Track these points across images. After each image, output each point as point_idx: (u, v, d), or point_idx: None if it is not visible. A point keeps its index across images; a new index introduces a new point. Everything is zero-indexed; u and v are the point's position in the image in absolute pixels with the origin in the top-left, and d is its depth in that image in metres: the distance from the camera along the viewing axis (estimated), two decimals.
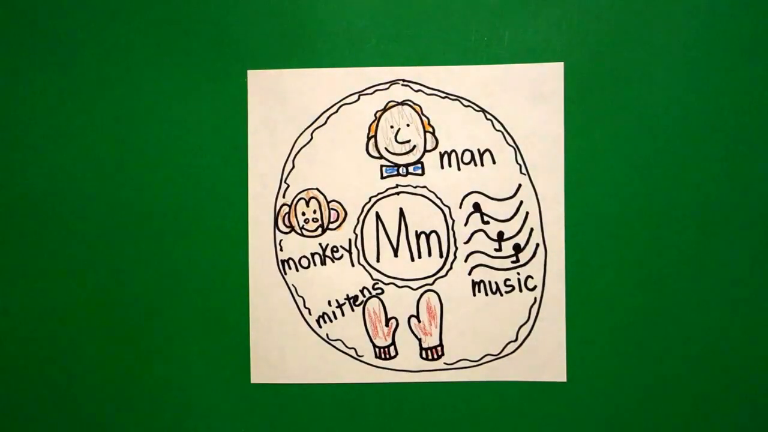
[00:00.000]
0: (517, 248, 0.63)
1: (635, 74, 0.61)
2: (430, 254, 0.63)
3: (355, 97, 0.62)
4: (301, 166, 0.63)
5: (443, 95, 0.62)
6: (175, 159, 0.63)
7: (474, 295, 0.63)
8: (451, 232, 0.63)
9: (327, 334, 0.64)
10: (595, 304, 0.62)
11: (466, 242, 0.63)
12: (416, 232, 0.63)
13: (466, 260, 0.63)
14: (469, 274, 0.63)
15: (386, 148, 0.63)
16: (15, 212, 0.63)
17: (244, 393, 0.64)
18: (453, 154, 0.62)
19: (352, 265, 0.63)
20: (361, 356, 0.64)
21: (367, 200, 0.63)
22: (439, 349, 0.63)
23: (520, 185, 0.62)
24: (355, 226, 0.63)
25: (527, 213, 0.62)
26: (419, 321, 0.63)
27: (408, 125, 0.63)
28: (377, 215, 0.63)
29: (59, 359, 0.64)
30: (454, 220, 0.63)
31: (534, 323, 0.63)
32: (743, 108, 0.61)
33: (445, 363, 0.63)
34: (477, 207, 0.63)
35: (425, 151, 0.63)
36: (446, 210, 0.63)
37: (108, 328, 0.64)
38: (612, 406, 0.63)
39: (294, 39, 0.62)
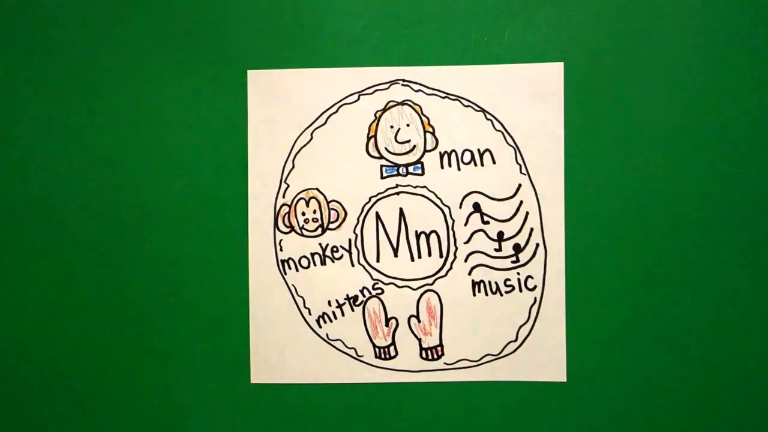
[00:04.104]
0: (517, 248, 0.63)
1: (635, 74, 0.61)
2: (430, 254, 0.63)
3: (355, 97, 0.62)
4: (301, 166, 0.63)
5: (443, 95, 0.62)
6: (175, 159, 0.63)
7: (474, 295, 0.63)
8: (451, 232, 0.63)
9: (327, 334, 0.64)
10: (595, 304, 0.62)
11: (466, 242, 0.63)
12: (416, 232, 0.63)
13: (466, 260, 0.63)
14: (469, 274, 0.63)
15: (386, 148, 0.63)
16: (14, 212, 0.63)
17: (244, 393, 0.64)
18: (453, 154, 0.62)
19: (352, 265, 0.63)
20: (361, 356, 0.64)
21: (367, 200, 0.63)
22: (439, 349, 0.63)
23: (520, 185, 0.62)
24: (355, 226, 0.63)
25: (527, 213, 0.62)
26: (419, 321, 0.63)
27: (408, 125, 0.63)
28: (377, 215, 0.63)
29: (59, 359, 0.64)
30: (454, 220, 0.63)
31: (534, 323, 0.63)
32: (743, 108, 0.61)
33: (445, 363, 0.63)
34: (477, 207, 0.63)
35: (425, 151, 0.63)
36: (446, 210, 0.63)
37: (108, 328, 0.64)
38: (612, 406, 0.63)
39: (294, 39, 0.62)
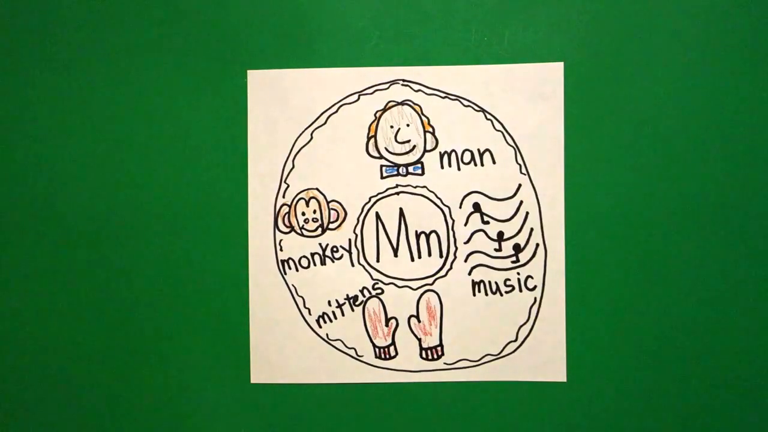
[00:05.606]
0: (517, 248, 0.63)
1: (635, 74, 0.61)
2: (430, 254, 0.63)
3: (355, 97, 0.62)
4: (301, 166, 0.63)
5: (443, 95, 0.62)
6: (175, 159, 0.63)
7: (474, 295, 0.63)
8: (451, 232, 0.63)
9: (327, 334, 0.64)
10: (595, 304, 0.62)
11: (466, 242, 0.63)
12: (416, 232, 0.63)
13: (466, 260, 0.63)
14: (469, 274, 0.63)
15: (386, 148, 0.63)
16: (14, 212, 0.64)
17: (244, 393, 0.64)
18: (453, 154, 0.62)
19: (352, 265, 0.63)
20: (361, 356, 0.64)
21: (367, 200, 0.63)
22: (439, 349, 0.63)
23: (520, 185, 0.62)
24: (355, 226, 0.63)
25: (527, 213, 0.62)
26: (419, 321, 0.63)
27: (408, 125, 0.63)
28: (377, 215, 0.63)
29: (59, 359, 0.64)
30: (454, 220, 0.63)
31: (534, 323, 0.63)
32: (743, 108, 0.61)
33: (445, 363, 0.63)
34: (477, 207, 0.63)
35: (425, 151, 0.63)
36: (446, 210, 0.63)
37: (108, 328, 0.64)
38: (612, 406, 0.63)
39: (294, 39, 0.62)
